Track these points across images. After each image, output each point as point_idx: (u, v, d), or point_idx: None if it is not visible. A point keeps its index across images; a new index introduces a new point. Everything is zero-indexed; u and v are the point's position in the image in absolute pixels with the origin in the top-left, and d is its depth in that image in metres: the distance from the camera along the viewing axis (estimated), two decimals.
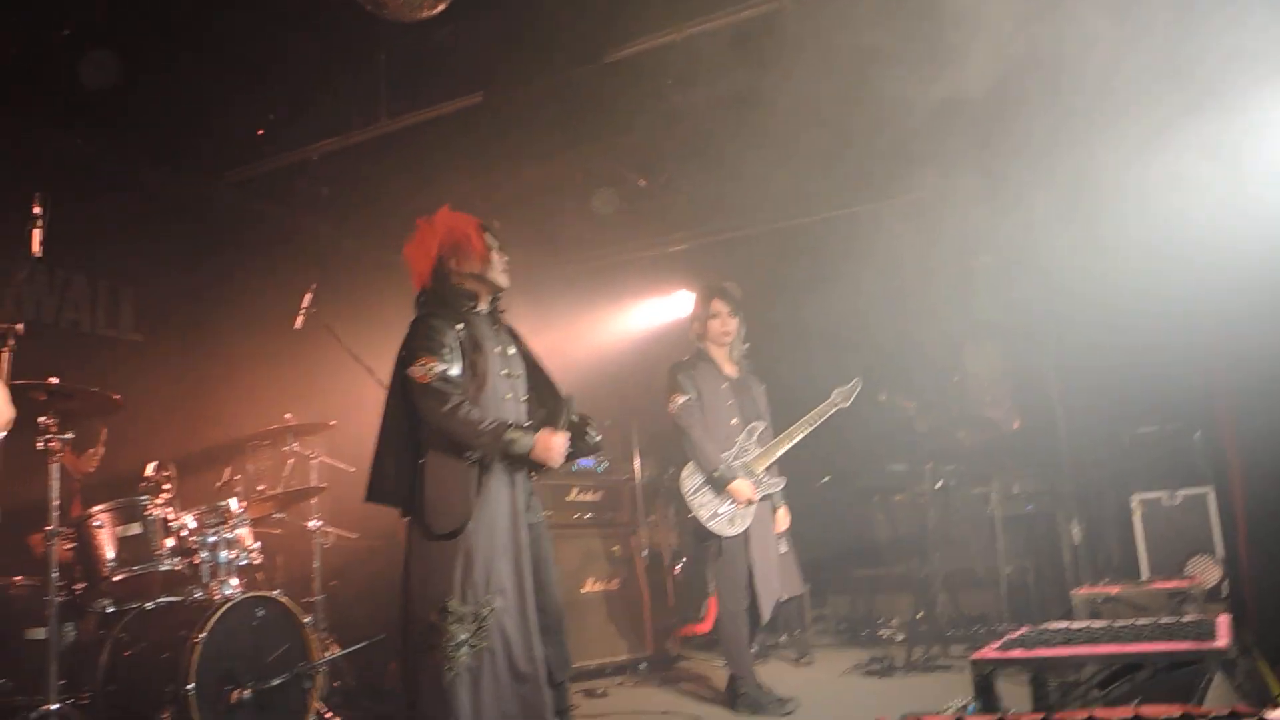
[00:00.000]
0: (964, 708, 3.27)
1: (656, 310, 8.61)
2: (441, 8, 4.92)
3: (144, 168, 6.32)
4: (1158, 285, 5.66)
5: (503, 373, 3.91)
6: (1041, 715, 1.53)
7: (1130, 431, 6.86)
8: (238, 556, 4.83)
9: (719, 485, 5.15)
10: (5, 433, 1.93)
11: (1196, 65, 4.86)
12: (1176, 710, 1.49)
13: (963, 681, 4.72)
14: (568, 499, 6.75)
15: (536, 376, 4.12)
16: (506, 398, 3.90)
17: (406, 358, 3.78)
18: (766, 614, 5.16)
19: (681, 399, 5.29)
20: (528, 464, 3.78)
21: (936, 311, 7.27)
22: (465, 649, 3.57)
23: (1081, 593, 4.84)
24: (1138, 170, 5.45)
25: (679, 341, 8.04)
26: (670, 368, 5.47)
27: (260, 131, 6.27)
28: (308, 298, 5.49)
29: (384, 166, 6.66)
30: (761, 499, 5.25)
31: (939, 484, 6.82)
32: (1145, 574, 6.25)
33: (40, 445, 4.16)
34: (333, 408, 5.97)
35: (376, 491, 3.91)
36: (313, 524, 5.51)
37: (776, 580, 5.25)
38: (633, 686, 6.15)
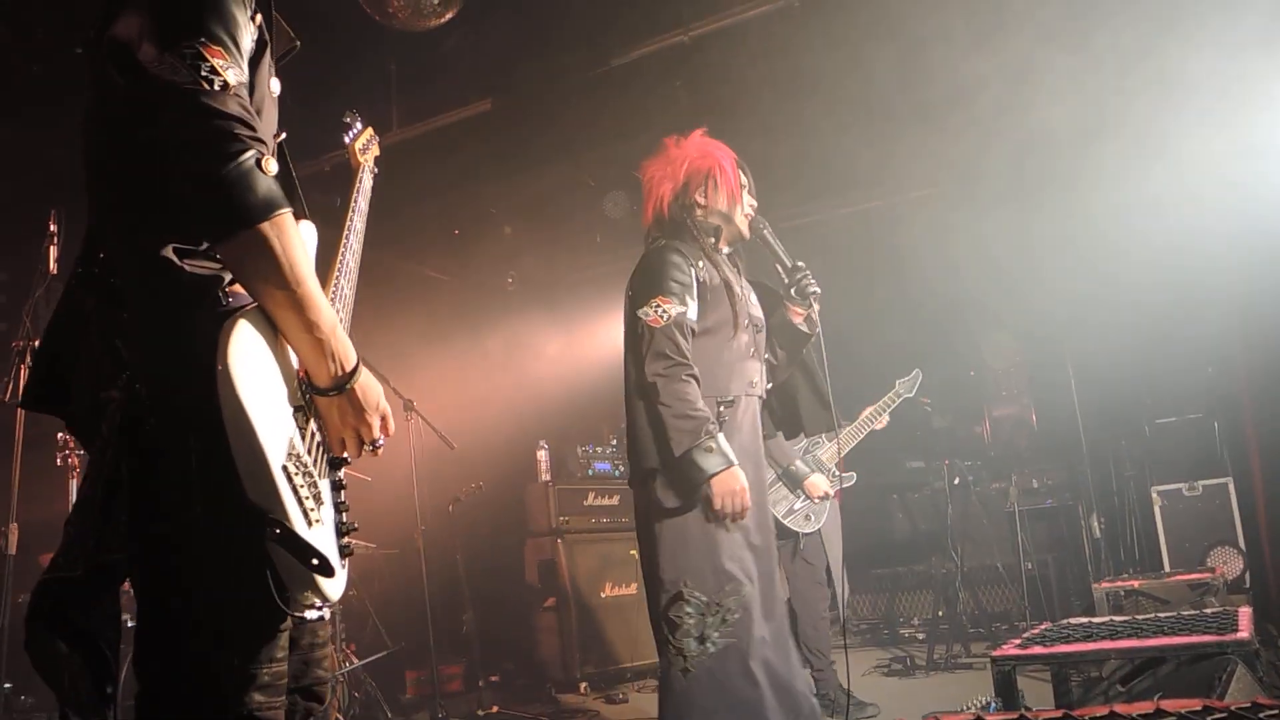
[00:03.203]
0: (985, 706, 3.25)
1: None
2: (450, 16, 4.95)
3: None
4: (1173, 275, 5.63)
5: (746, 324, 3.38)
6: (1062, 712, 1.52)
7: (1149, 422, 6.82)
8: None
9: (794, 480, 4.87)
10: None
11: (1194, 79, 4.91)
12: (1197, 704, 1.48)
13: (984, 679, 4.70)
14: (585, 504, 6.75)
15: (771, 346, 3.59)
16: (750, 354, 3.38)
17: (636, 296, 3.32)
18: (843, 610, 4.95)
19: None
20: (698, 484, 3.10)
21: (950, 307, 7.25)
22: (705, 643, 3.07)
23: (1103, 586, 4.81)
24: (1147, 164, 5.43)
25: None
26: None
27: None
28: None
29: (395, 176, 6.67)
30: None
31: (957, 480, 6.79)
32: (1167, 566, 6.21)
33: (59, 462, 4.18)
34: None
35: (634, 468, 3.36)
36: None
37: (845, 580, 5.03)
38: (652, 691, 6.14)
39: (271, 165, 1.52)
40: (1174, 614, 3.40)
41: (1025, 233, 6.47)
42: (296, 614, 1.59)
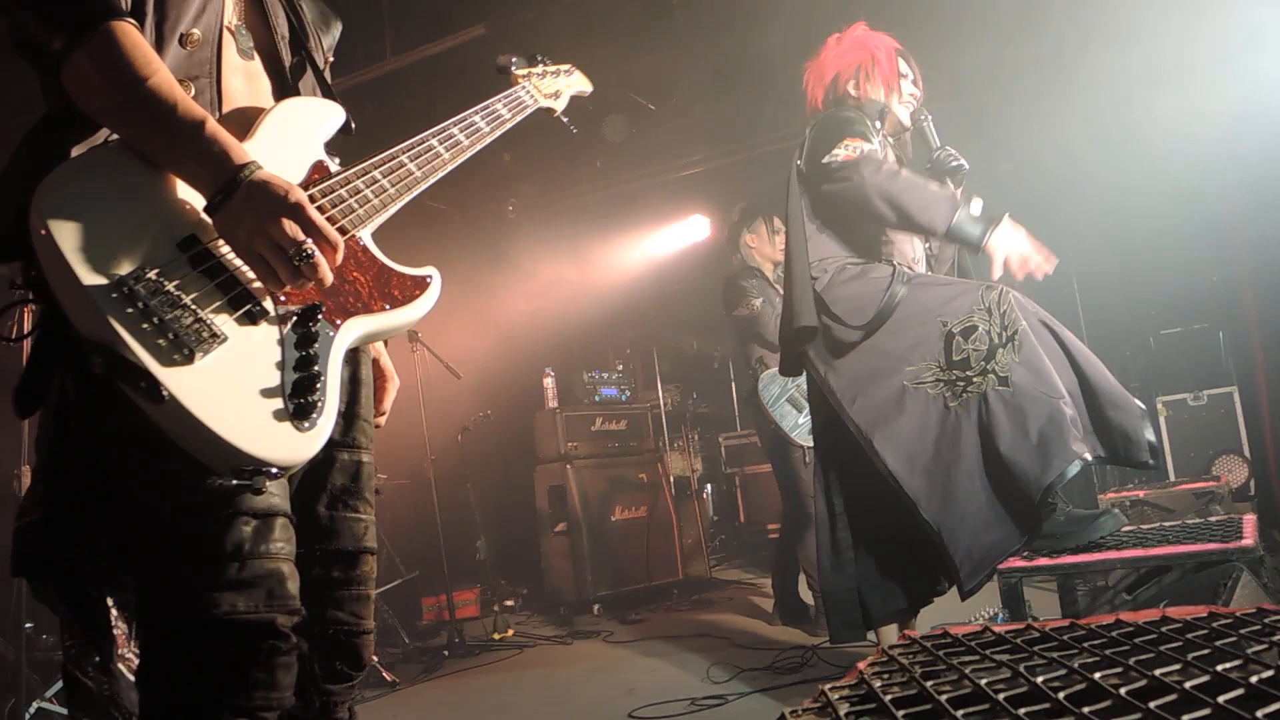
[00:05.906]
0: (993, 617, 3.30)
1: (672, 235, 8.57)
2: None
3: None
4: (1178, 185, 5.57)
5: None
6: (1069, 621, 1.54)
7: (1154, 333, 6.82)
8: None
9: (799, 401, 5.09)
10: None
11: None
12: (1203, 610, 1.49)
13: (991, 591, 4.76)
14: (592, 429, 6.79)
15: None
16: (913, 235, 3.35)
17: (822, 144, 3.17)
18: None
19: (757, 301, 5.20)
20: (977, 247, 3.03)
21: None
22: (1004, 360, 2.99)
23: (1108, 497, 4.84)
24: (1149, 68, 5.34)
25: (696, 265, 7.97)
26: (729, 279, 5.37)
27: None
28: None
29: (391, 104, 6.61)
30: None
31: None
32: (1172, 476, 6.25)
33: None
34: None
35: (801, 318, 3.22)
36: None
37: None
38: (665, 611, 6.24)
39: None
40: (1179, 523, 3.43)
41: (1028, 144, 6.39)
42: (223, 482, 1.33)
